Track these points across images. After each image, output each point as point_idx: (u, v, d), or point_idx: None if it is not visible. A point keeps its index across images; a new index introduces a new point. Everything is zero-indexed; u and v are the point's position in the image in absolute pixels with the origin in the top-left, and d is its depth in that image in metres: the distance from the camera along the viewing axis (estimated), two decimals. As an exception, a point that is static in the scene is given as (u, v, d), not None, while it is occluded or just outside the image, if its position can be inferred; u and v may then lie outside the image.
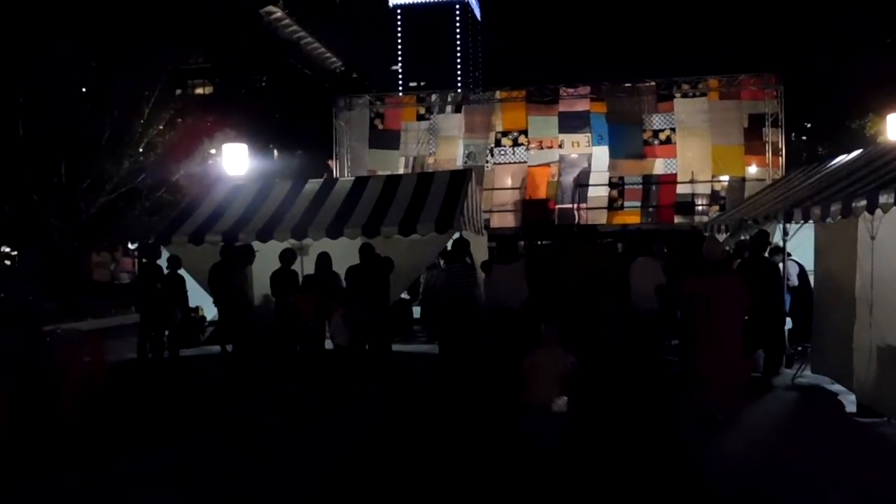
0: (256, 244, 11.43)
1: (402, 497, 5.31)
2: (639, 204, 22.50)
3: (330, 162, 24.46)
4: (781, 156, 21.90)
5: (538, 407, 5.30)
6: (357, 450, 6.40)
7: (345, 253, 10.26)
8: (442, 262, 13.36)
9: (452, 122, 23.82)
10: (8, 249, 27.77)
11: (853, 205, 6.91)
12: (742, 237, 10.83)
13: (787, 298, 9.40)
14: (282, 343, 10.04)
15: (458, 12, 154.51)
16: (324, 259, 10.04)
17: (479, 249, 12.97)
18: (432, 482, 5.53)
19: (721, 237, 11.83)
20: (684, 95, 22.60)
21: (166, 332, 10.73)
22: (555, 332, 5.54)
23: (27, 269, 20.10)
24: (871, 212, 6.60)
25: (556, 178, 23.01)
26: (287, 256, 10.28)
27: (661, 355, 9.35)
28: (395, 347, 11.20)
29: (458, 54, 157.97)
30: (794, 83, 24.04)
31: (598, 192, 22.60)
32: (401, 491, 5.41)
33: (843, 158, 10.27)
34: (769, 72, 22.62)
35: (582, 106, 23.12)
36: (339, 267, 9.82)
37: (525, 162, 23.33)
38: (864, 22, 29.61)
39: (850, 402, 7.42)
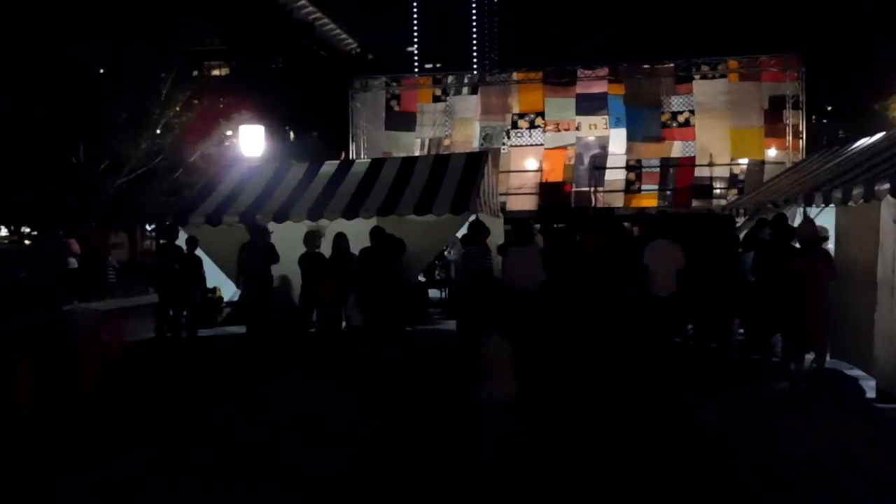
0: (271, 225, 11.46)
1: (418, 480, 5.33)
2: (656, 187, 22.32)
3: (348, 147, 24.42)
4: (802, 138, 21.60)
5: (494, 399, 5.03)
6: (372, 434, 6.43)
7: (360, 234, 10.27)
8: (449, 251, 13.38)
9: (469, 104, 23.66)
10: (28, 230, 28.10)
11: (876, 188, 6.82)
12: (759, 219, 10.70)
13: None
14: (305, 324, 10.13)
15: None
16: (340, 240, 10.07)
17: (496, 232, 12.94)
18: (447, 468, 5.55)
19: (739, 221, 11.73)
20: (703, 77, 22.32)
21: (184, 313, 10.82)
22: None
23: (47, 250, 20.29)
24: (895, 195, 6.51)
25: (572, 161, 22.86)
26: (311, 240, 10.31)
27: (678, 338, 9.32)
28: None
29: (475, 35, 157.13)
30: (815, 64, 23.68)
31: (616, 175, 22.44)
32: (416, 475, 5.44)
33: (865, 141, 10.13)
34: (790, 53, 22.27)
35: (599, 88, 22.89)
36: (355, 249, 9.84)
37: (542, 144, 23.19)
38: (887, 1, 29.05)
39: (869, 388, 7.35)
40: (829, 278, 7.79)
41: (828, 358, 8.54)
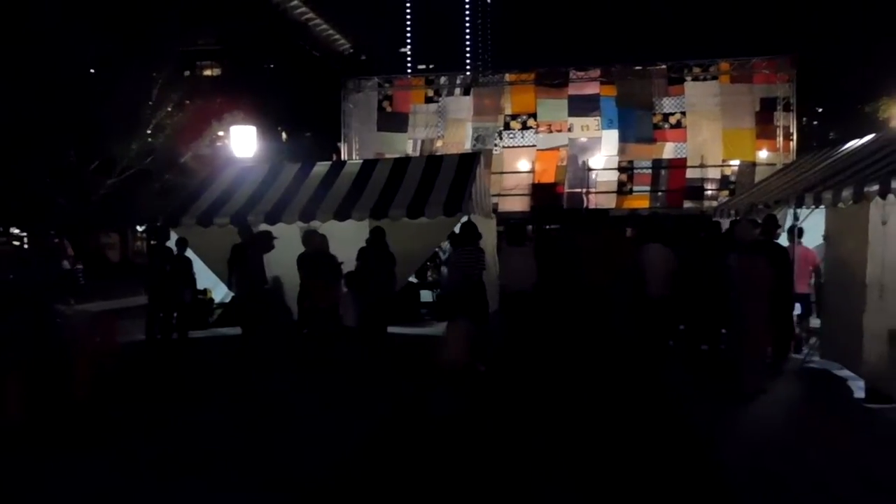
0: (265, 226, 11.42)
1: (410, 480, 5.34)
2: (648, 188, 22.40)
3: (339, 144, 24.43)
4: (793, 140, 21.72)
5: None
6: (364, 435, 6.43)
7: (353, 236, 10.27)
8: (440, 252, 13.37)
9: (461, 105, 23.71)
10: (17, 231, 27.96)
11: (865, 190, 6.86)
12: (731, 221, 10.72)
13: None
14: (301, 325, 10.11)
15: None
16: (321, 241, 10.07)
17: (488, 233, 12.95)
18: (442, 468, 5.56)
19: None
20: (695, 79, 22.43)
21: (175, 314, 10.77)
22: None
23: (38, 251, 20.19)
24: (884, 197, 6.56)
25: (564, 162, 22.92)
26: (309, 239, 10.29)
27: (671, 340, 9.34)
28: (405, 331, 11.28)
29: (467, 36, 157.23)
30: (806, 66, 23.79)
31: (608, 176, 22.50)
32: (407, 474, 5.44)
33: (855, 143, 10.17)
34: (782, 55, 22.38)
35: (592, 89, 22.97)
36: (349, 249, 9.85)
37: (534, 146, 23.24)
38: (878, 4, 29.24)
39: (858, 388, 7.39)
40: (763, 284, 7.44)
41: (816, 356, 8.59)
